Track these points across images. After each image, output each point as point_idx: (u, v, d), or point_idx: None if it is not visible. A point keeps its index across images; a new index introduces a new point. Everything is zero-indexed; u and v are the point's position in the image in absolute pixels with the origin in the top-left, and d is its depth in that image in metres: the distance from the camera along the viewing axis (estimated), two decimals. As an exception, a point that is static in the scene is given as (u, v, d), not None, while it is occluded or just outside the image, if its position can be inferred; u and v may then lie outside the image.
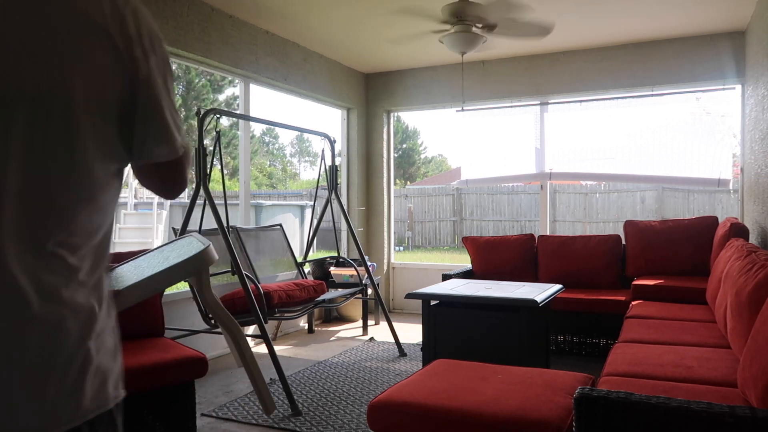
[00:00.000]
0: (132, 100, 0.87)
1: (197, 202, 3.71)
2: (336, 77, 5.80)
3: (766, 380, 1.63)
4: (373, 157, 6.36)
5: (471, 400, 2.06)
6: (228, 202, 3.73)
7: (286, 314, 3.89)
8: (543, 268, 4.90)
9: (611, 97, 5.43)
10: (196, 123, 3.61)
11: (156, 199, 9.73)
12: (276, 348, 4.20)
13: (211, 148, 3.68)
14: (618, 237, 4.79)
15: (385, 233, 6.35)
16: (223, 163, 4.95)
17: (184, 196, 11.67)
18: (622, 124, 5.47)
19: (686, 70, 5.05)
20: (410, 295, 3.60)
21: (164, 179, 1.02)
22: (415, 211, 14.60)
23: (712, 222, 4.51)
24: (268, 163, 27.08)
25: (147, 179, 1.02)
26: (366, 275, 4.88)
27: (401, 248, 14.36)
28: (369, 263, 5.27)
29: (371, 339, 5.00)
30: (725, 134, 5.21)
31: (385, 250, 6.35)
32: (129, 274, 2.23)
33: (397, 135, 23.87)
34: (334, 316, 5.82)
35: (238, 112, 4.66)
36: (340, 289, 4.92)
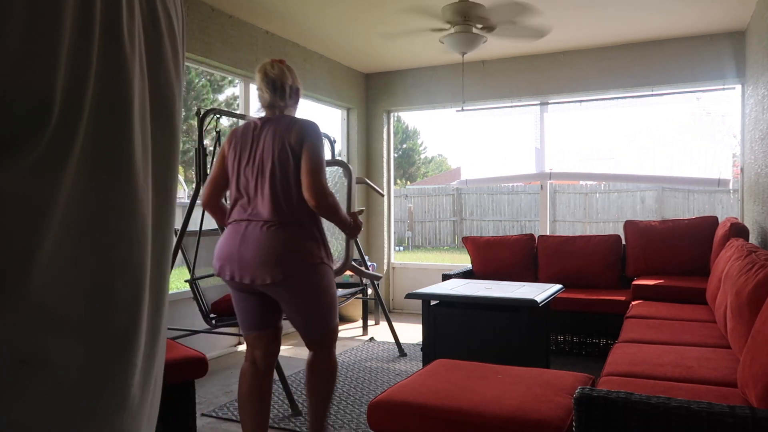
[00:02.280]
0: None
1: (197, 202, 3.70)
2: (336, 77, 5.80)
3: (766, 380, 1.64)
4: (373, 157, 6.36)
5: (471, 400, 2.05)
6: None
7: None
8: (543, 268, 4.90)
9: (611, 97, 5.42)
10: (196, 123, 3.61)
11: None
12: (276, 348, 4.19)
13: (211, 149, 3.68)
14: (618, 237, 4.79)
15: (385, 233, 6.34)
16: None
17: (184, 197, 11.65)
18: (622, 124, 5.47)
19: (686, 70, 5.05)
20: (410, 295, 3.60)
21: None
22: (415, 211, 14.60)
23: (712, 222, 4.51)
24: (268, 163, 27.01)
25: None
26: (366, 275, 4.88)
27: (401, 248, 14.36)
28: (369, 263, 5.27)
29: (371, 339, 4.99)
30: (725, 134, 5.21)
31: (385, 250, 6.35)
32: None
33: (397, 135, 23.86)
34: (334, 316, 5.81)
35: (238, 112, 4.65)
36: (340, 289, 4.92)
